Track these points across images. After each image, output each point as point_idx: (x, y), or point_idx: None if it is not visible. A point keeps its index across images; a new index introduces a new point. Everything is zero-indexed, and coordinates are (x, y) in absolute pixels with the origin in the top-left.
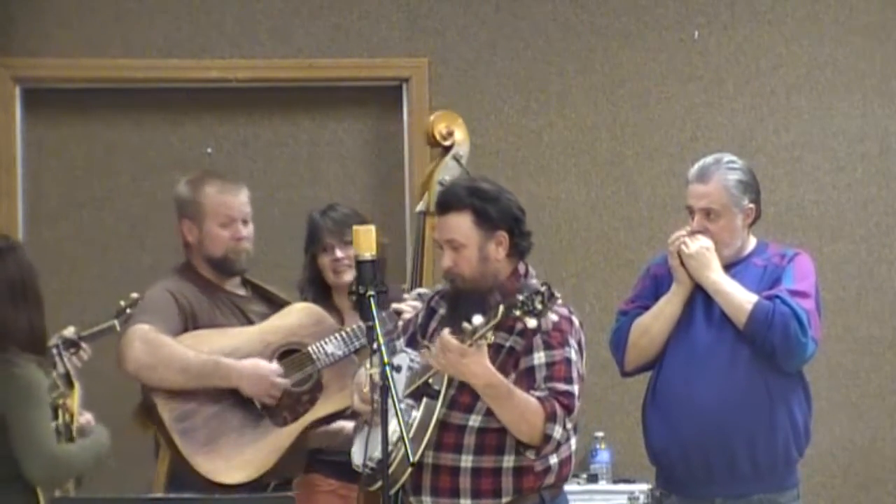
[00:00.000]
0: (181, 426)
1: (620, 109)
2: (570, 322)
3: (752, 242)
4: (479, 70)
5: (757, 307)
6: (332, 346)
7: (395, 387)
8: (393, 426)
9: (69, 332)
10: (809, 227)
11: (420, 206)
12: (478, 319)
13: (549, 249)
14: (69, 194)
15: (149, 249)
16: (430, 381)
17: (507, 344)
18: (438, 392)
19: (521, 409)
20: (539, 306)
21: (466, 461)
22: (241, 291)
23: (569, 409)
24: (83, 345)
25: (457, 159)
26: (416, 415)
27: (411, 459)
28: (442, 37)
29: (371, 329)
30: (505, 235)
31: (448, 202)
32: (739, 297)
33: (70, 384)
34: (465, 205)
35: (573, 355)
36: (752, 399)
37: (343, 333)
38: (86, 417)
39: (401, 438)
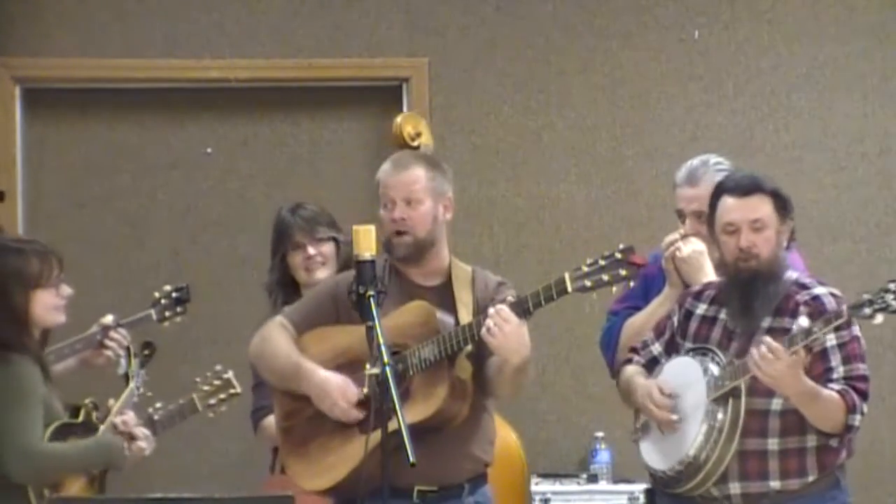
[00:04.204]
0: (285, 424)
1: (620, 109)
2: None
3: None
4: (479, 70)
5: None
6: (427, 351)
7: (394, 387)
8: (694, 431)
9: (108, 319)
10: (809, 227)
11: None
12: (805, 321)
13: (549, 249)
14: (69, 194)
15: (149, 249)
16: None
17: (796, 328)
18: (741, 391)
19: (826, 407)
20: (894, 303)
21: (773, 444)
22: (431, 281)
23: (865, 396)
24: (115, 335)
25: None
26: (723, 417)
27: (411, 460)
28: (442, 37)
29: (371, 329)
30: (791, 226)
31: (752, 185)
32: None
33: (126, 382)
34: (768, 189)
35: (859, 332)
36: None
37: (443, 336)
38: (123, 418)
39: (706, 440)
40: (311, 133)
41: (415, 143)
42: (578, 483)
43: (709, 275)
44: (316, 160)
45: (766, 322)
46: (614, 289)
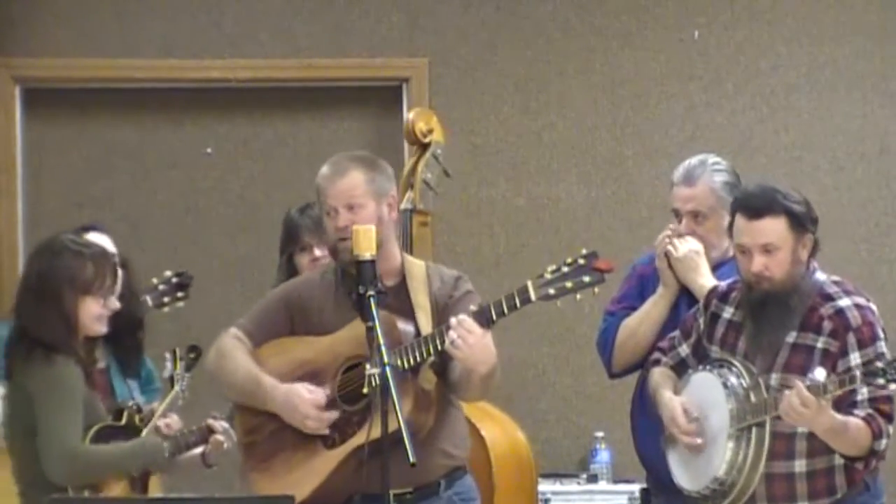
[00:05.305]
0: (247, 439)
1: (620, 109)
2: (873, 311)
3: None
4: (479, 70)
5: None
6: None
7: (395, 388)
8: (719, 456)
9: None
10: None
11: (405, 204)
12: (821, 374)
13: (549, 249)
14: (69, 194)
15: (149, 249)
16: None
17: (819, 345)
18: (765, 422)
19: (853, 437)
20: None
21: (801, 466)
22: (385, 282)
23: (891, 418)
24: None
25: (435, 157)
26: (747, 444)
27: (411, 460)
28: (442, 37)
29: (371, 329)
30: (811, 238)
31: (763, 207)
32: None
33: (171, 385)
34: (781, 209)
35: (884, 348)
36: None
37: (405, 348)
38: (166, 421)
39: (731, 467)
40: (311, 133)
41: (426, 140)
42: (578, 483)
43: (704, 275)
44: (316, 160)
45: (791, 337)
46: (578, 295)
